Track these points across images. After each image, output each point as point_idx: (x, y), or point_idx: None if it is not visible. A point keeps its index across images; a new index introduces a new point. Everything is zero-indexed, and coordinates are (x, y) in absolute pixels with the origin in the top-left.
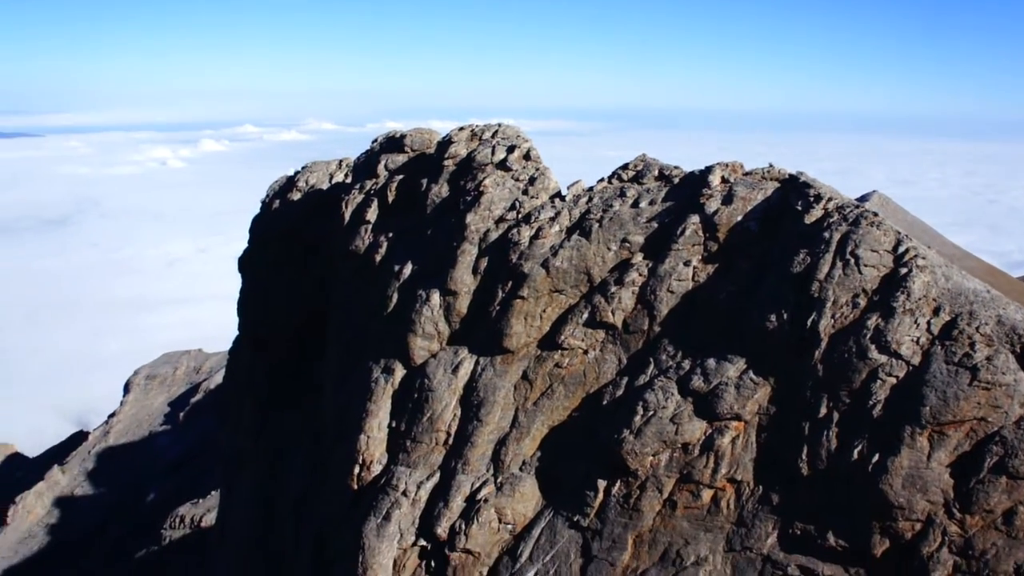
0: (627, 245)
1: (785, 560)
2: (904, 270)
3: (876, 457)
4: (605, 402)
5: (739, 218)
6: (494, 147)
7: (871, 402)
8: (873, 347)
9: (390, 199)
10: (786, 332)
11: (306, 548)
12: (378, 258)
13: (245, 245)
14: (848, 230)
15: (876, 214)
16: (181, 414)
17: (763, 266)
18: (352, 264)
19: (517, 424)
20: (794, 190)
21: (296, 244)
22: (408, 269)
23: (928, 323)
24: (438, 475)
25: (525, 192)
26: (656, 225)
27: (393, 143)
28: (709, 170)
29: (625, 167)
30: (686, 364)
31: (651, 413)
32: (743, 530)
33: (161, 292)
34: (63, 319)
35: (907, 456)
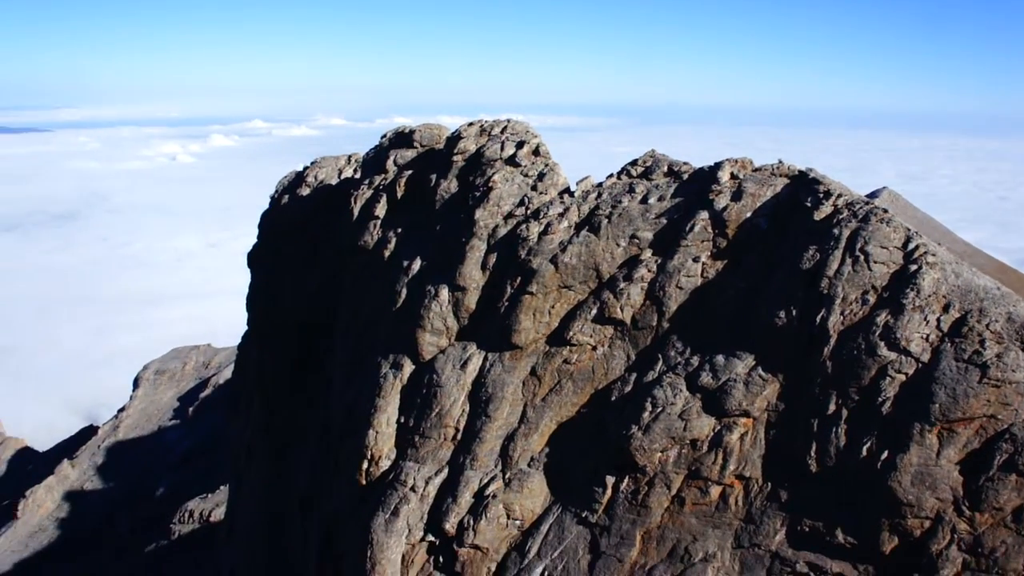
0: (636, 241)
1: (794, 557)
2: (914, 267)
3: (885, 454)
4: (614, 398)
5: (748, 214)
6: (503, 143)
7: (880, 399)
8: (882, 344)
9: (399, 194)
10: (795, 329)
11: (314, 543)
12: (387, 253)
13: (254, 240)
14: (858, 227)
15: (886, 211)
16: (190, 409)
17: (772, 262)
18: (361, 259)
19: (525, 420)
20: (804, 186)
21: (305, 239)
22: (417, 264)
23: (938, 320)
24: (446, 471)
25: (534, 188)
26: (665, 221)
27: (402, 139)
28: (718, 166)
29: (634, 163)
30: (695, 360)
31: (660, 409)
32: (751, 527)
33: (170, 287)
34: (72, 314)
35: (916, 453)
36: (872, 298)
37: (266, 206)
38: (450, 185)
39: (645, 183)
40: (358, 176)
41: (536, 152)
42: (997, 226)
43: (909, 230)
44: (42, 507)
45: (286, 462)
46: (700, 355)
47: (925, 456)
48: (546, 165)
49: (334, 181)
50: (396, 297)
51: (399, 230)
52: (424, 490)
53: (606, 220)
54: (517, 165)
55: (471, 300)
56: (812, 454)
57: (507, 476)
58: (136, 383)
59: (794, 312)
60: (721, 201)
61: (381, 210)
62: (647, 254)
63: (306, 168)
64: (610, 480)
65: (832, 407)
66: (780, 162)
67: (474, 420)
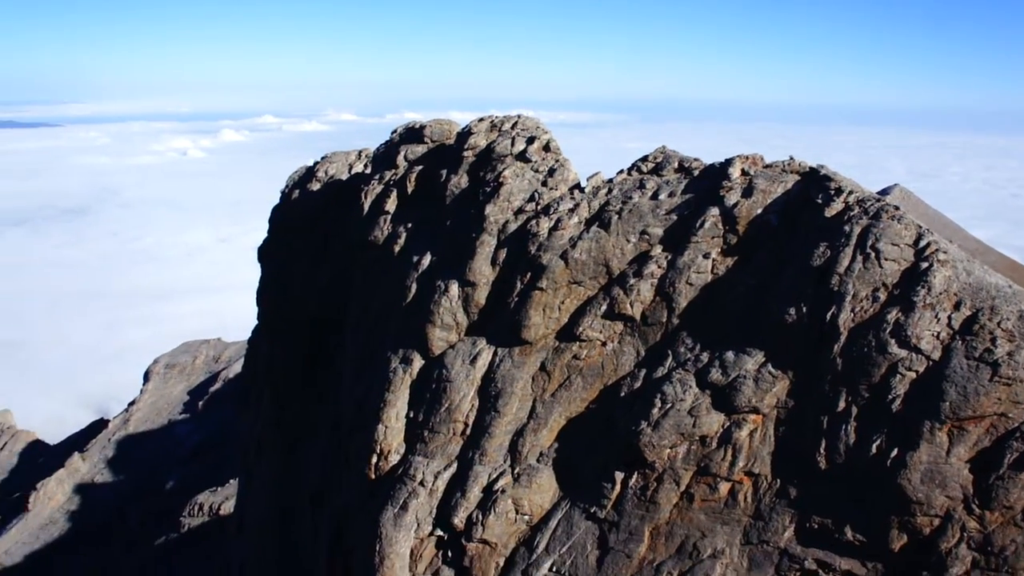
0: (646, 237)
1: (802, 554)
2: (925, 264)
3: (895, 452)
4: (623, 394)
5: (759, 211)
6: (514, 138)
7: (890, 396)
8: (893, 341)
9: (409, 190)
10: (805, 325)
11: (324, 537)
12: (397, 248)
13: (265, 235)
14: (869, 224)
15: (897, 208)
16: (200, 403)
17: (783, 259)
18: (371, 254)
19: (535, 415)
20: (814, 183)
21: (315, 234)
22: (427, 260)
23: (949, 318)
24: (455, 465)
25: (544, 183)
26: (675, 217)
27: (413, 134)
28: (729, 162)
29: (645, 159)
30: (704, 357)
31: (669, 405)
32: (760, 523)
33: (181, 281)
34: (83, 308)
35: (926, 451)
36: (883, 295)
37: (277, 201)
38: (460, 180)
39: (656, 179)
40: (368, 171)
41: (546, 148)
42: (1009, 223)
43: (920, 227)
44: (53, 500)
45: (296, 457)
46: (710, 351)
47: (935, 454)
48: (556, 161)
49: (344, 176)
50: (406, 292)
51: (409, 225)
52: (433, 485)
53: (616, 216)
54: (527, 161)
55: (481, 295)
56: (821, 451)
57: (516, 471)
58: (146, 377)
59: (804, 309)
60: (732, 197)
61: (391, 205)
62: (657, 250)
63: (316, 163)
64: (619, 476)
65: (842, 404)
66: (791, 159)
67: (483, 415)
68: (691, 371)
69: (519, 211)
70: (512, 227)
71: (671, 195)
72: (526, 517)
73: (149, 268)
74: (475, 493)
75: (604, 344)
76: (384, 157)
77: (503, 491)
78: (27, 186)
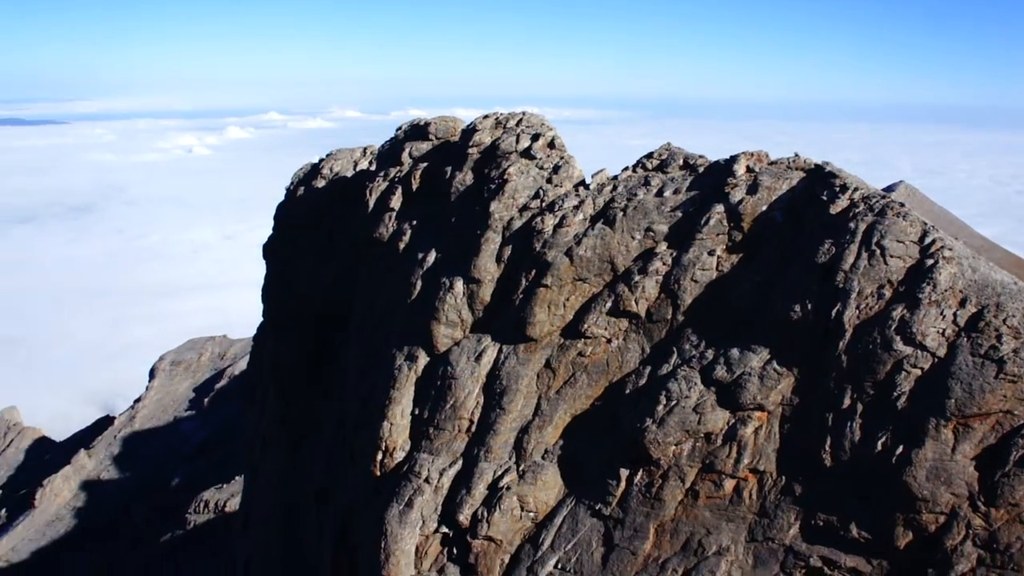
0: (651, 234)
1: (807, 551)
2: (930, 261)
3: (900, 449)
4: (628, 391)
5: (764, 208)
6: (518, 135)
7: (895, 394)
8: (898, 338)
9: (414, 187)
10: (810, 323)
11: (329, 534)
12: (402, 246)
13: (270, 232)
14: (874, 220)
15: (902, 204)
16: (206, 400)
17: (788, 256)
18: (376, 251)
19: (540, 412)
20: (820, 180)
21: (320, 231)
22: (432, 257)
23: (954, 315)
24: (460, 462)
25: (549, 180)
26: (680, 214)
27: (417, 131)
28: (734, 159)
29: (650, 156)
30: (709, 354)
31: (674, 403)
32: (765, 520)
33: (186, 278)
34: (89, 305)
35: (931, 448)
36: (888, 292)
37: (282, 198)
38: (465, 177)
39: (660, 176)
40: (373, 168)
41: (551, 145)
42: (1015, 220)
43: (926, 224)
44: (59, 496)
45: (301, 454)
46: (715, 348)
47: (940, 451)
48: (561, 158)
49: (349, 173)
50: (411, 289)
51: (414, 222)
52: (438, 482)
53: (621, 213)
54: (532, 158)
55: (486, 292)
56: (826, 448)
57: (521, 468)
58: (152, 374)
59: (809, 306)
60: (737, 194)
61: (396, 202)
62: (662, 247)
63: (321, 160)
64: (624, 473)
65: (847, 401)
66: (796, 156)
67: (488, 412)
68: (696, 368)
69: (524, 208)
70: (517, 224)
71: (676, 192)
72: (531, 514)
73: (155, 265)
74: (480, 490)
75: (609, 341)
76: (389, 154)
77: (508, 488)
78: (34, 183)
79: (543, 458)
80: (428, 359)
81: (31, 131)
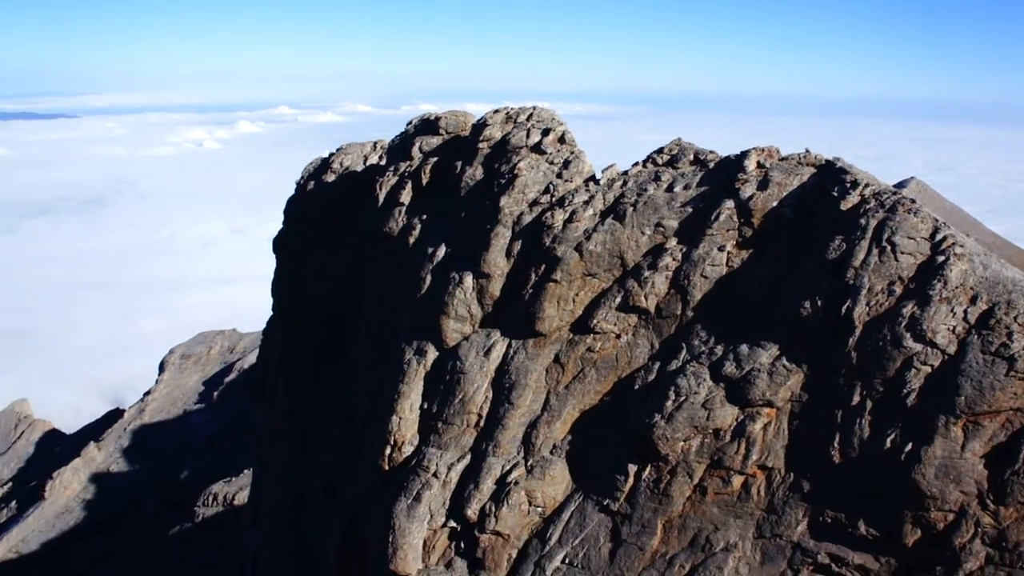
0: (661, 229)
1: (815, 548)
2: (941, 258)
3: (909, 446)
4: (637, 387)
5: (774, 203)
6: (529, 130)
7: (905, 391)
8: (908, 335)
9: (424, 181)
10: (820, 319)
11: (337, 528)
12: (411, 240)
13: (280, 226)
14: (885, 217)
15: (913, 201)
16: (215, 393)
17: (798, 252)
18: (386, 246)
19: (548, 407)
20: (830, 176)
21: (330, 225)
22: (441, 251)
23: (965, 312)
24: (469, 457)
25: (559, 175)
26: (690, 210)
27: (428, 125)
28: (745, 155)
29: (660, 151)
30: (719, 350)
31: (683, 398)
32: (773, 517)
33: (196, 272)
34: (99, 298)
35: (941, 446)
36: (898, 289)
37: (292, 192)
38: (475, 172)
39: (671, 171)
40: (383, 163)
41: (561, 140)
42: None
43: (937, 221)
44: (68, 488)
45: (310, 448)
46: (724, 344)
47: (950, 449)
48: (571, 153)
49: (359, 167)
50: (420, 283)
51: (424, 217)
52: (446, 476)
53: (631, 208)
54: (542, 152)
55: (495, 287)
56: (835, 445)
57: (529, 463)
58: (162, 367)
59: (819, 302)
60: (747, 190)
61: (406, 197)
62: (672, 243)
63: (332, 154)
64: (632, 468)
65: (856, 398)
66: (807, 151)
67: (497, 407)
68: (705, 364)
69: (534, 203)
70: (527, 219)
71: (686, 187)
72: (539, 509)
73: (165, 259)
74: (488, 485)
75: (618, 336)
76: (399, 149)
77: (516, 483)
78: (46, 177)
79: (551, 453)
80: (437, 353)
81: (43, 125)
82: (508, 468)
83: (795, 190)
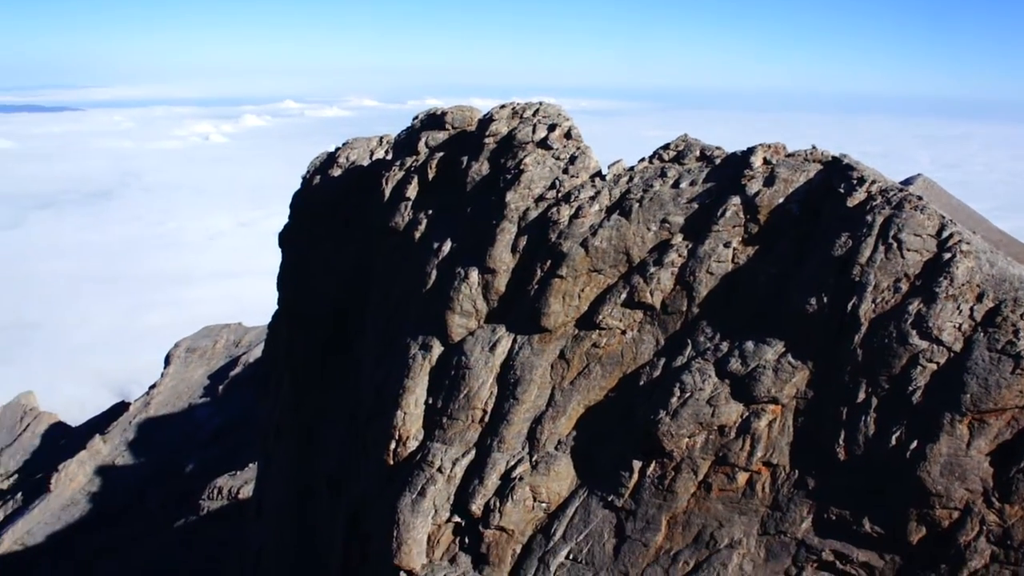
0: (667, 226)
1: (820, 545)
2: (948, 255)
3: (914, 444)
4: (642, 383)
5: (781, 200)
6: (535, 126)
7: (911, 388)
8: (914, 333)
9: (430, 176)
10: (826, 316)
11: (341, 522)
12: (417, 235)
13: (286, 220)
14: (891, 214)
15: (920, 198)
16: (220, 387)
17: (804, 249)
18: (392, 241)
19: (553, 403)
20: (837, 172)
21: (336, 220)
22: (447, 246)
23: (971, 309)
24: (473, 452)
25: (565, 171)
26: (697, 206)
27: (434, 120)
28: (751, 151)
29: (666, 147)
30: (724, 346)
31: (688, 395)
32: (778, 514)
33: (202, 266)
34: (105, 292)
35: (946, 443)
36: (904, 286)
37: (298, 186)
38: (481, 167)
39: (677, 167)
40: (390, 157)
41: (568, 135)
42: None
43: (943, 218)
44: (74, 481)
45: (315, 442)
46: (729, 341)
47: (955, 446)
48: (578, 148)
49: (366, 162)
50: (426, 279)
51: (430, 212)
52: (451, 471)
53: (637, 204)
54: (549, 148)
55: (501, 283)
56: (840, 442)
57: (534, 459)
58: (167, 360)
59: (825, 299)
60: (753, 186)
61: (412, 192)
62: (678, 239)
63: (338, 149)
64: (637, 464)
65: (862, 395)
66: (813, 148)
67: (502, 402)
68: (710, 360)
69: (540, 198)
70: (532, 214)
71: (692, 184)
72: (543, 505)
73: (171, 252)
74: (493, 480)
75: (624, 332)
76: (405, 143)
77: (521, 478)
78: (51, 170)
79: (556, 449)
80: (443, 349)
81: (49, 118)
82: (513, 464)
83: (801, 186)
